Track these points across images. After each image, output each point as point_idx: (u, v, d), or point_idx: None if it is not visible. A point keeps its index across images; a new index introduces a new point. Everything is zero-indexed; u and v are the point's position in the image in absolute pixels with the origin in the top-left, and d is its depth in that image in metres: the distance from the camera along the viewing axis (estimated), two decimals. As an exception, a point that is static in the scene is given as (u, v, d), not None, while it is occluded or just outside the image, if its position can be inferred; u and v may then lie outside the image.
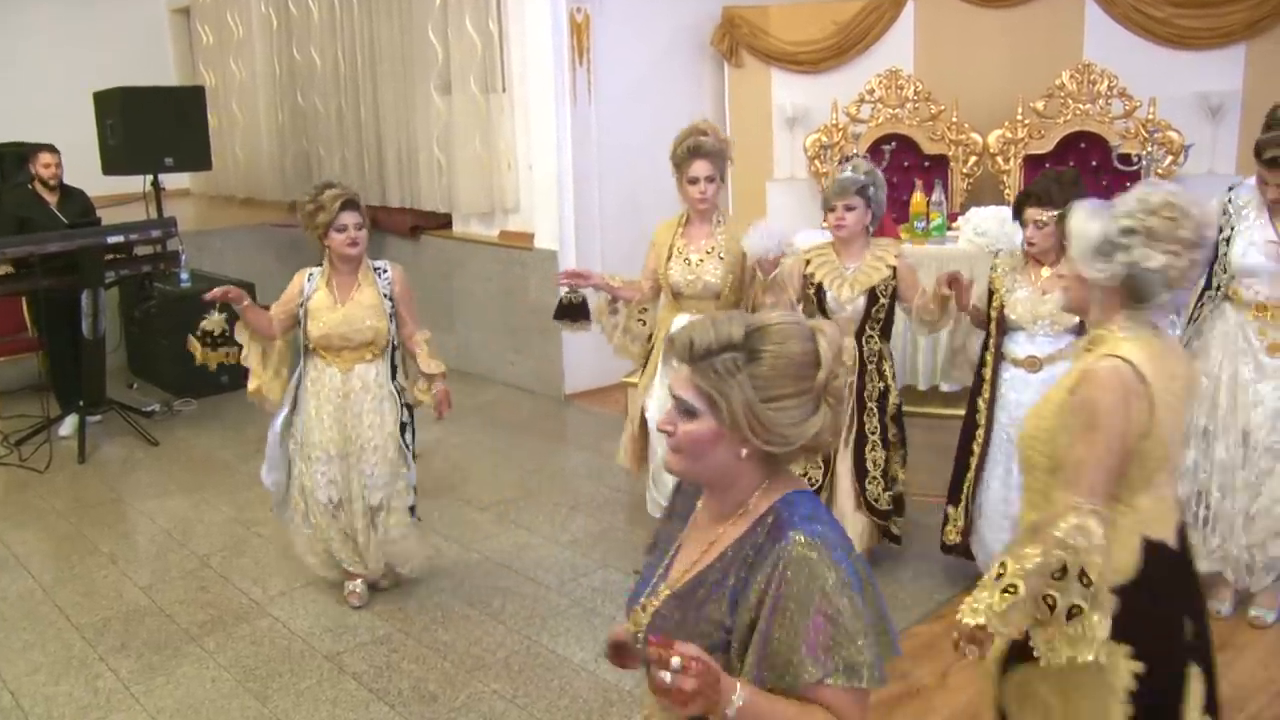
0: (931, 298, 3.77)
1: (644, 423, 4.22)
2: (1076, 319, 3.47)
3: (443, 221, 7.28)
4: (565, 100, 6.20)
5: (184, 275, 6.65)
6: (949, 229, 5.18)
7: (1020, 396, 3.66)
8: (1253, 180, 3.61)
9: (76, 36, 10.01)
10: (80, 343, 6.26)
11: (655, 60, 6.69)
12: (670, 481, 3.88)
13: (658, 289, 4.20)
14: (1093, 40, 6.13)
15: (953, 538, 3.95)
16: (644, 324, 4.28)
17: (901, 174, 6.09)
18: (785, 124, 6.70)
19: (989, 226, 4.72)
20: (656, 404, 4.09)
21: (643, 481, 4.48)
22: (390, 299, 3.88)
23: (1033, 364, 3.65)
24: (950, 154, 6.08)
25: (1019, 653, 2.16)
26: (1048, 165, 5.95)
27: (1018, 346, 3.68)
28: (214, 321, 4.03)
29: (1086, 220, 2.08)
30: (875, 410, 3.96)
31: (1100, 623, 1.95)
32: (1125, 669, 2.08)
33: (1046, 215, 3.48)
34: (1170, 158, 5.77)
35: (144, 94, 7.49)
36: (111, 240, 5.98)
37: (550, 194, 6.31)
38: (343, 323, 3.80)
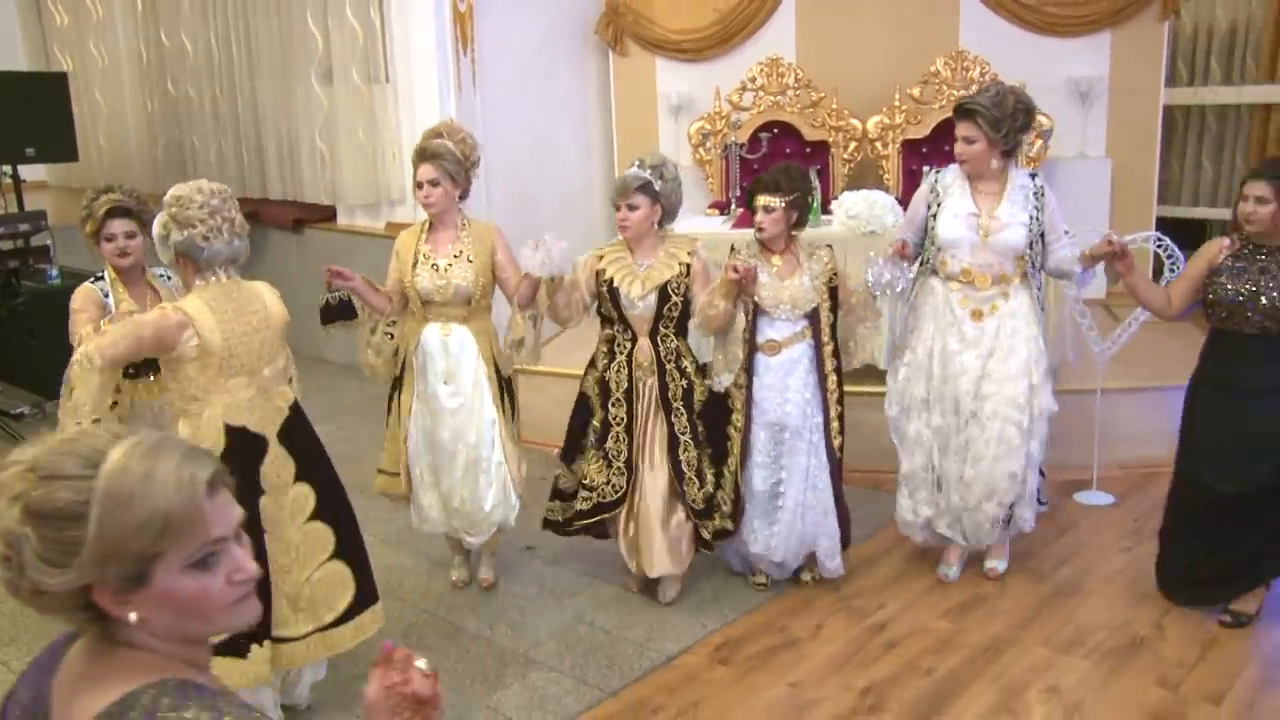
0: (721, 290, 3.95)
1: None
2: (813, 303, 4.03)
3: (327, 214, 7.57)
4: (450, 90, 6.56)
5: (53, 272, 6.85)
6: (824, 213, 5.70)
7: (763, 380, 4.11)
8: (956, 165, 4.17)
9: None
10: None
11: (539, 49, 7.10)
12: (427, 503, 4.27)
13: (402, 299, 4.23)
14: (967, 27, 6.77)
15: (717, 524, 4.17)
16: (391, 337, 4.28)
17: (783, 160, 6.61)
18: (670, 112, 7.17)
19: (860, 210, 5.25)
20: (414, 422, 4.23)
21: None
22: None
23: (772, 347, 4.09)
24: (831, 140, 6.63)
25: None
26: (925, 150, 6.58)
27: (760, 332, 4.11)
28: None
29: None
30: (682, 409, 4.13)
31: None
32: None
33: (776, 201, 3.97)
34: (1039, 141, 6.43)
35: (2, 79, 7.62)
36: (-24, 235, 6.17)
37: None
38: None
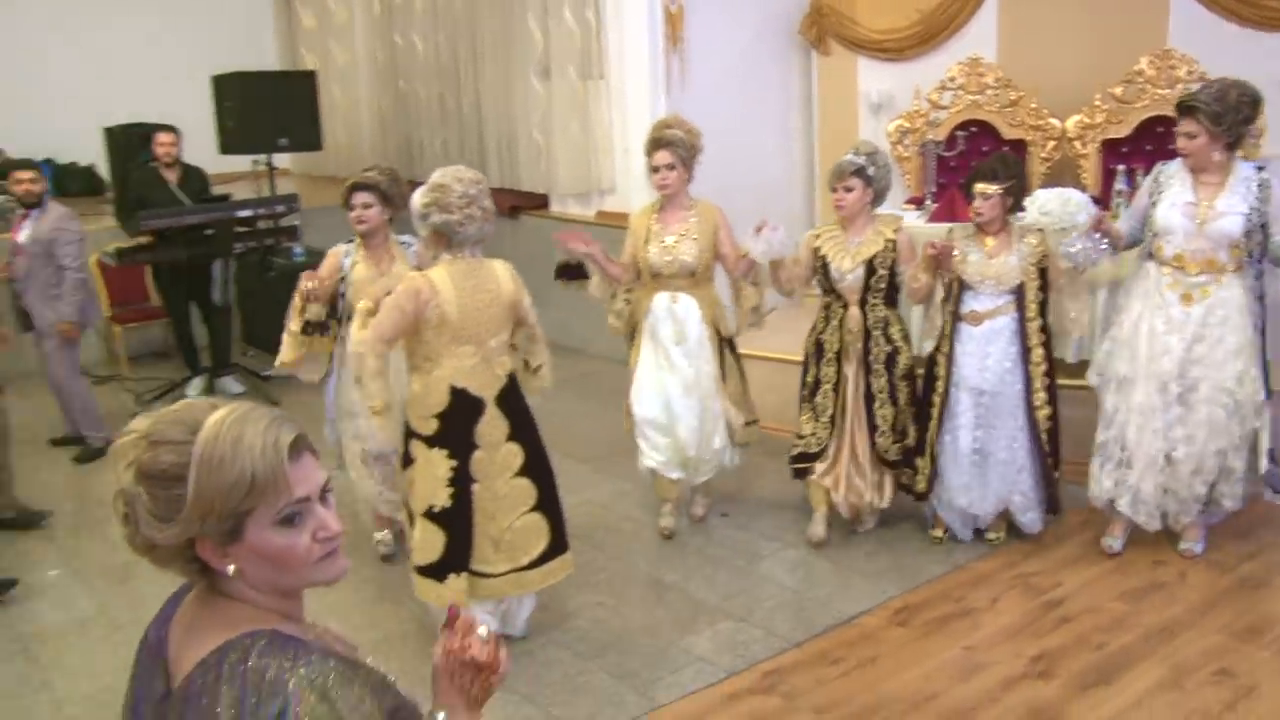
0: (921, 265, 4.49)
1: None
2: (1018, 279, 4.40)
3: (540, 202, 8.16)
4: (660, 87, 7.03)
5: (298, 249, 7.66)
6: (1018, 209, 5.84)
7: (964, 346, 4.51)
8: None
9: (182, 18, 11.10)
10: (208, 309, 7.29)
11: (745, 49, 7.48)
12: (653, 436, 4.81)
13: (635, 270, 4.87)
14: (1177, 24, 6.74)
15: (921, 485, 4.71)
16: (628, 303, 4.93)
17: (980, 158, 6.77)
18: (870, 110, 7.42)
19: (1053, 206, 5.37)
20: (648, 379, 4.83)
21: None
22: (419, 269, 4.53)
23: (974, 318, 4.48)
24: (1029, 139, 6.75)
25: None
26: (1125, 149, 6.62)
27: (964, 304, 4.50)
28: (315, 311, 4.81)
29: None
30: (883, 370, 4.63)
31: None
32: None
33: (993, 188, 4.36)
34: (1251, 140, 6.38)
35: (260, 78, 8.53)
36: (241, 214, 7.00)
37: (645, 177, 7.12)
38: (380, 292, 4.41)
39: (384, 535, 4.94)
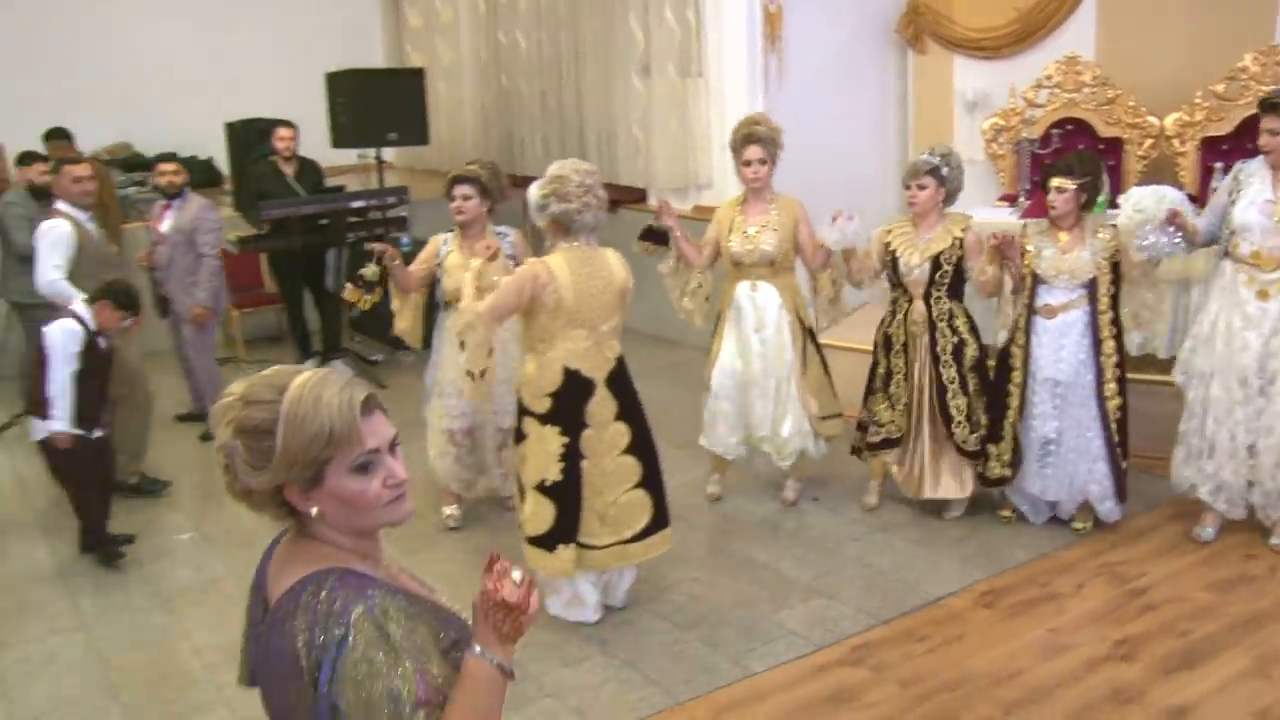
0: (986, 258, 4.68)
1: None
2: (1091, 273, 4.51)
3: (638, 196, 8.40)
4: (757, 85, 7.21)
5: (405, 240, 7.99)
6: (1112, 207, 5.90)
7: (1039, 339, 4.64)
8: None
9: (294, 18, 11.57)
10: (321, 295, 7.67)
11: (841, 47, 7.62)
12: (723, 431, 5.07)
13: (713, 258, 5.14)
14: (1287, 18, 6.71)
15: (997, 471, 4.86)
16: (701, 286, 5.21)
17: (1076, 156, 6.83)
18: (965, 108, 7.50)
19: (1147, 204, 5.43)
20: (724, 362, 5.13)
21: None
22: (513, 258, 4.91)
23: (1049, 311, 4.61)
24: (1126, 137, 6.78)
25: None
26: (1225, 147, 6.61)
27: (1039, 297, 4.63)
28: (371, 271, 5.25)
29: None
30: (951, 361, 4.82)
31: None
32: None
33: (1069, 183, 4.48)
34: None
35: (372, 75, 8.91)
36: (355, 205, 7.36)
37: (734, 172, 7.32)
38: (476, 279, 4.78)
39: (453, 510, 5.21)
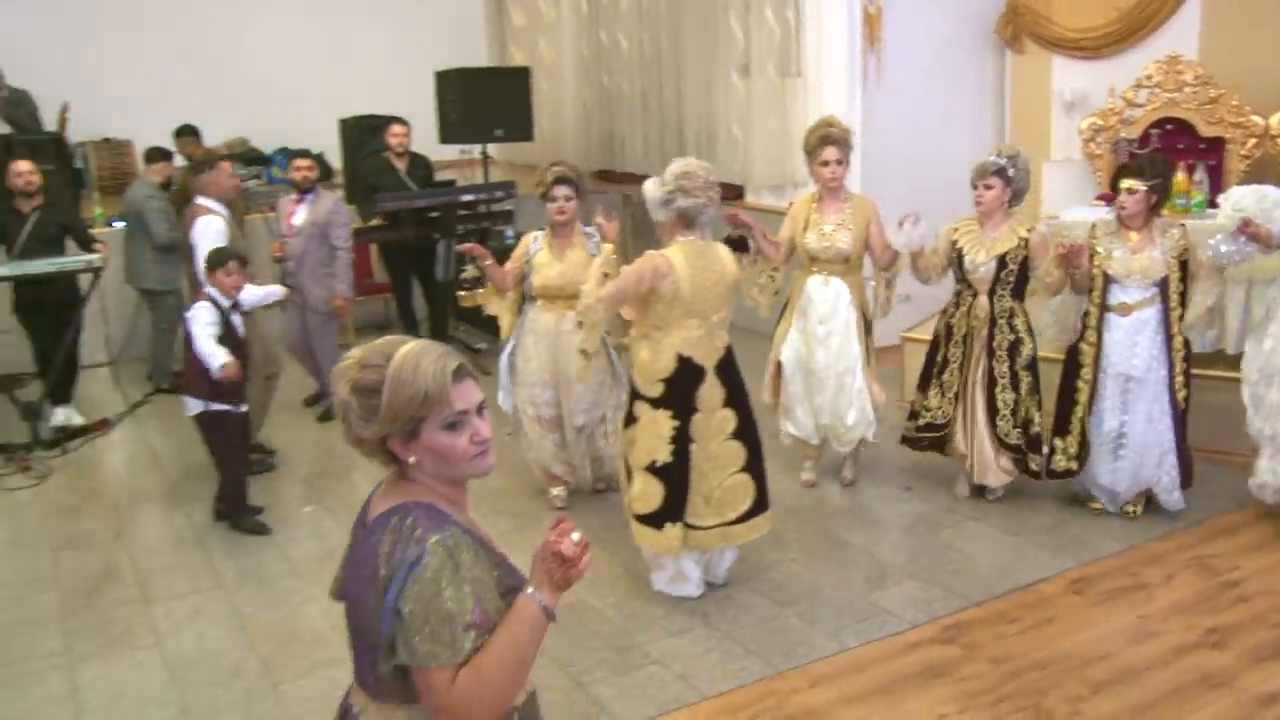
0: (1052, 260, 4.88)
1: (779, 365, 5.47)
2: (1163, 273, 4.65)
3: (735, 193, 8.60)
4: (856, 85, 7.37)
5: (509, 232, 8.31)
6: (1211, 206, 5.96)
7: (1113, 336, 4.78)
8: None
9: (401, 18, 11.99)
10: (430, 285, 8.01)
11: (939, 48, 7.74)
12: (801, 415, 5.34)
13: (788, 254, 5.38)
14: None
15: (1062, 464, 5.06)
16: (773, 280, 5.44)
17: (1176, 156, 6.84)
18: (1063, 107, 7.56)
19: (1248, 203, 5.50)
20: (790, 350, 5.40)
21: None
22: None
23: (1124, 309, 4.75)
24: (1228, 137, 6.79)
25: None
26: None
27: (1113, 296, 4.76)
28: (470, 272, 5.58)
29: None
30: (1005, 357, 5.03)
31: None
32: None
33: (1139, 185, 4.59)
34: None
35: (479, 74, 9.25)
36: (464, 199, 7.69)
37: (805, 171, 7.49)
38: (560, 276, 5.11)
39: (559, 491, 5.48)
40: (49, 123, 10.61)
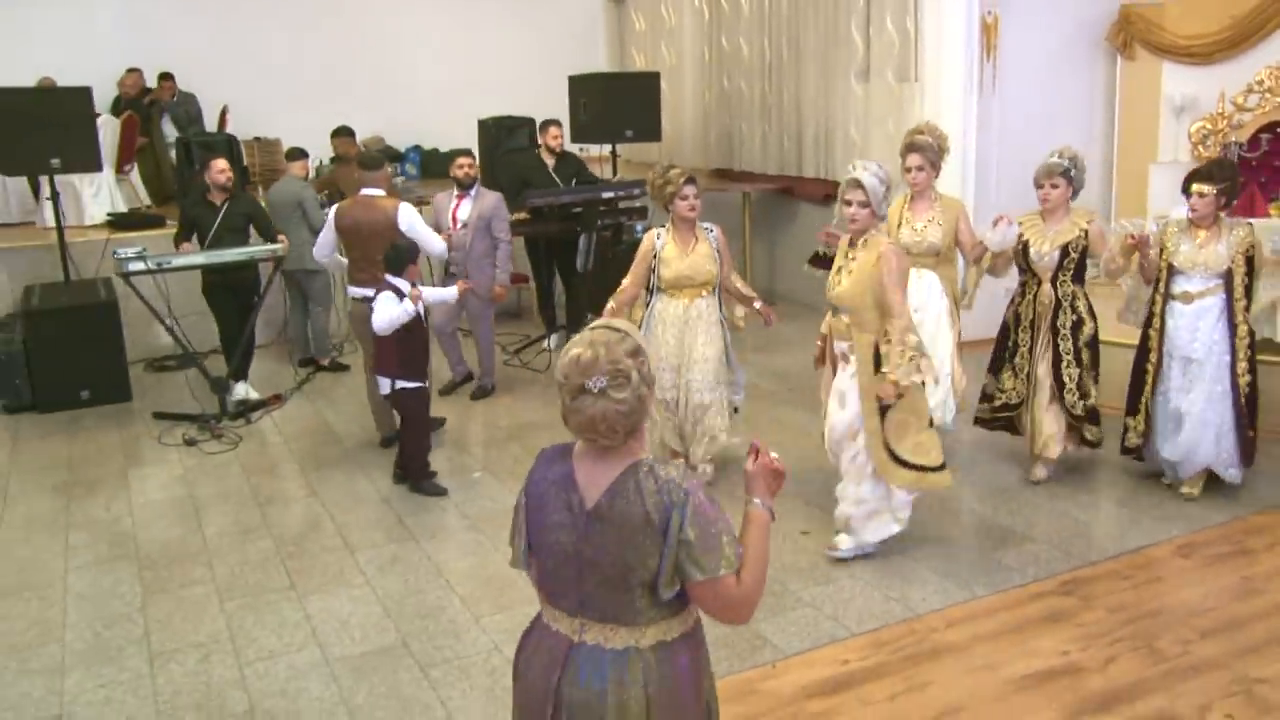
0: (1119, 251, 5.46)
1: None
2: (1225, 265, 5.09)
3: (852, 191, 9.13)
4: (973, 92, 7.85)
5: (639, 227, 8.94)
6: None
7: (1177, 323, 5.26)
8: None
9: (526, 23, 12.71)
10: (570, 275, 8.68)
11: (1052, 55, 8.19)
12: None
13: None
14: None
15: (1133, 441, 5.61)
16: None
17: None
18: (1172, 112, 7.95)
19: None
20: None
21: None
22: (718, 251, 5.69)
23: (1186, 298, 5.24)
24: (1336, 141, 7.15)
25: (884, 409, 4.66)
26: None
27: (1177, 286, 5.31)
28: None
29: None
30: (1069, 335, 5.54)
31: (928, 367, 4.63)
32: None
33: (1209, 189, 5.06)
34: None
35: (611, 78, 9.93)
36: (605, 195, 8.34)
37: (954, 174, 7.92)
38: (689, 267, 5.63)
39: (706, 468, 5.96)
40: (209, 124, 11.57)
